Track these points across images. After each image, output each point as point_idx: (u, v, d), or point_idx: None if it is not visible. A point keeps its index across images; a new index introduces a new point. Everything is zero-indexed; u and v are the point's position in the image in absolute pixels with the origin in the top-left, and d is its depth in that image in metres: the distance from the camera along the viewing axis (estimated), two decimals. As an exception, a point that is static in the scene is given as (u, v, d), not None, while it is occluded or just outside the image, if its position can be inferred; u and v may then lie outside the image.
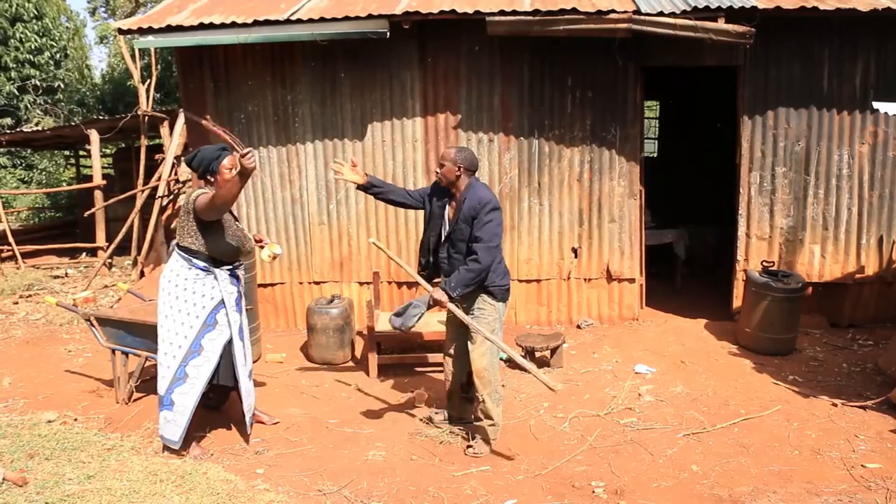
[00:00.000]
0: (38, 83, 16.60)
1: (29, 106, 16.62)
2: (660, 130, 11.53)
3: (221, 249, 4.02)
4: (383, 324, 5.68)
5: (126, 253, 9.84)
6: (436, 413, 4.54)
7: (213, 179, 3.97)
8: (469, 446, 4.14)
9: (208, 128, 3.66)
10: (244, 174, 3.58)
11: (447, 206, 4.14)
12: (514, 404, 4.79)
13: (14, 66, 16.40)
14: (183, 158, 6.17)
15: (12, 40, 16.34)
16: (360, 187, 4.23)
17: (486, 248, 3.90)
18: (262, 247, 4.37)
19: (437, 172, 4.13)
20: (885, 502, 3.50)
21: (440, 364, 4.51)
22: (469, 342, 4.14)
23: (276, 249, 4.23)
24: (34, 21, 16.75)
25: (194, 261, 3.99)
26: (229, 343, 4.10)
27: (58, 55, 17.36)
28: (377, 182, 4.27)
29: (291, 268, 6.65)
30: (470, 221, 3.95)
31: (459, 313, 3.98)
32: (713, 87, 8.50)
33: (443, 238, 4.15)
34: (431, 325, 5.44)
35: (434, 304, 3.96)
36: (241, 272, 4.24)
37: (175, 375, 3.97)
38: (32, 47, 16.63)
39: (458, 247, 4.03)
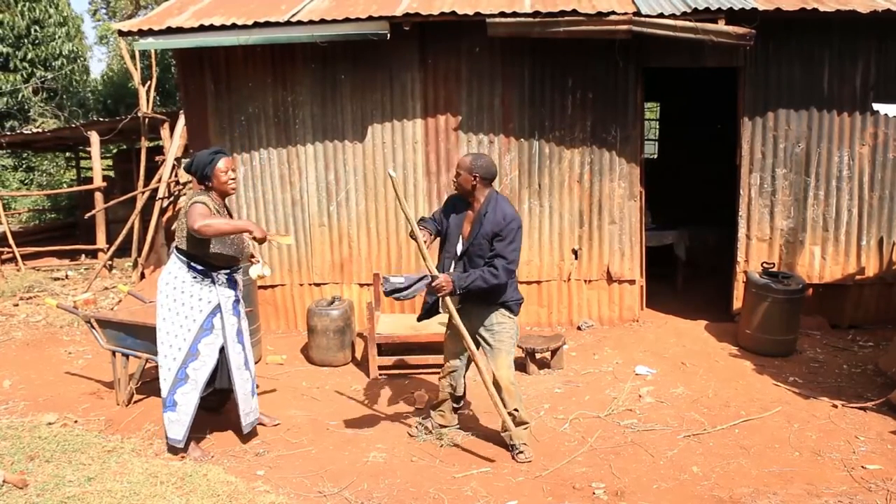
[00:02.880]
0: (57, 87, 16.49)
1: (39, 108, 16.53)
2: (660, 132, 11.53)
3: (218, 254, 4.01)
4: (384, 325, 5.69)
5: (126, 255, 9.85)
6: (423, 420, 4.44)
7: (210, 184, 3.99)
8: (520, 452, 4.04)
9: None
10: (252, 236, 3.89)
11: (464, 221, 3.98)
12: (514, 406, 4.79)
13: (24, 67, 16.24)
14: (182, 164, 6.19)
15: (29, 45, 16.19)
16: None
17: (507, 269, 3.81)
18: (253, 263, 4.21)
19: (454, 182, 3.98)
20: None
21: (440, 366, 4.49)
22: (490, 358, 4.06)
23: (265, 271, 4.12)
24: (56, 26, 16.54)
25: (192, 264, 4.00)
26: (223, 347, 4.10)
27: (68, 58, 17.26)
28: (433, 226, 4.09)
29: (292, 269, 6.65)
30: (491, 238, 3.83)
31: (453, 310, 3.88)
32: (713, 89, 8.50)
33: (458, 255, 3.97)
34: (431, 326, 5.41)
35: (432, 288, 3.78)
36: (239, 276, 4.24)
37: (176, 377, 3.98)
38: (48, 49, 16.45)
39: (476, 262, 3.87)
